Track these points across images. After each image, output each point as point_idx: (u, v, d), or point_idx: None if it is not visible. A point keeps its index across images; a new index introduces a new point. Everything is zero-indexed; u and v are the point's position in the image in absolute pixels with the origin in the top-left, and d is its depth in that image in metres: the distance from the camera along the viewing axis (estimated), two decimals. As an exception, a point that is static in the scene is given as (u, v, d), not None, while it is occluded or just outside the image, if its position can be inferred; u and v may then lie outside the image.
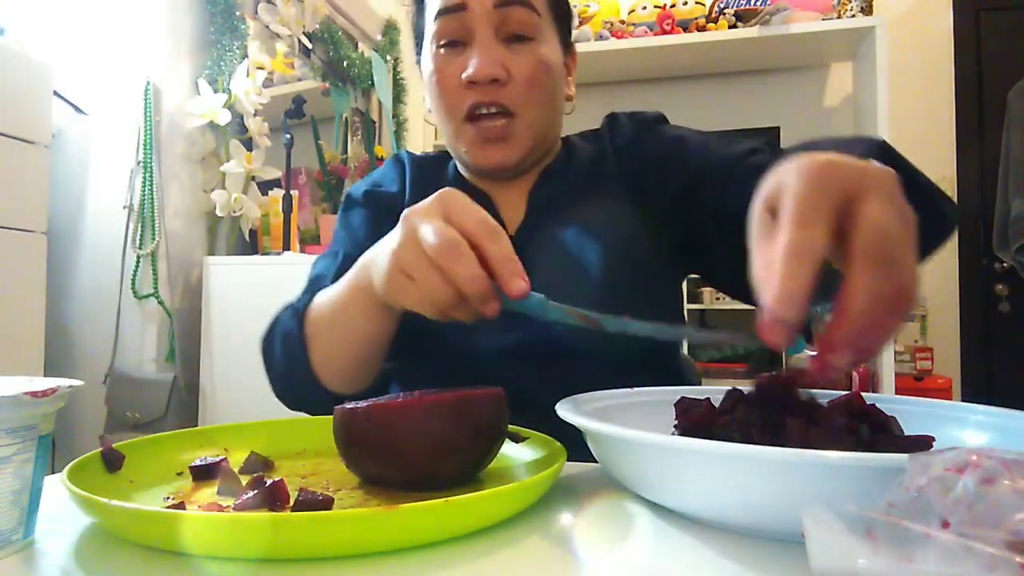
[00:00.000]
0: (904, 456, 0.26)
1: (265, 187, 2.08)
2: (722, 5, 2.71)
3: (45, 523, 0.39)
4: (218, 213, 1.93)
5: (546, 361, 0.69)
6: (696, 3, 2.75)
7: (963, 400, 1.85)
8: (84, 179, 1.87)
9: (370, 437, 0.45)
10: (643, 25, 2.75)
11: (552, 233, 0.74)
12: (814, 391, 0.43)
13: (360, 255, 0.59)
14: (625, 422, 0.42)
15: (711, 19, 2.71)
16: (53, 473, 0.43)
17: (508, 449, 0.52)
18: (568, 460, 0.47)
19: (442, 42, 0.72)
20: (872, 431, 0.40)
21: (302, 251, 2.08)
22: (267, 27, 2.20)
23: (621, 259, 0.72)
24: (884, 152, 0.54)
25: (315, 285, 0.73)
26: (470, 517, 0.37)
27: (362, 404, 0.45)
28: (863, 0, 2.55)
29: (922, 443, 0.40)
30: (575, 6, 2.79)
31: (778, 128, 2.89)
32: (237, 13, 2.01)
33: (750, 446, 0.34)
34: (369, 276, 0.54)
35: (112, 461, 0.46)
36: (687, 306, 1.56)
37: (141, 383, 1.76)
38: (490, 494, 0.37)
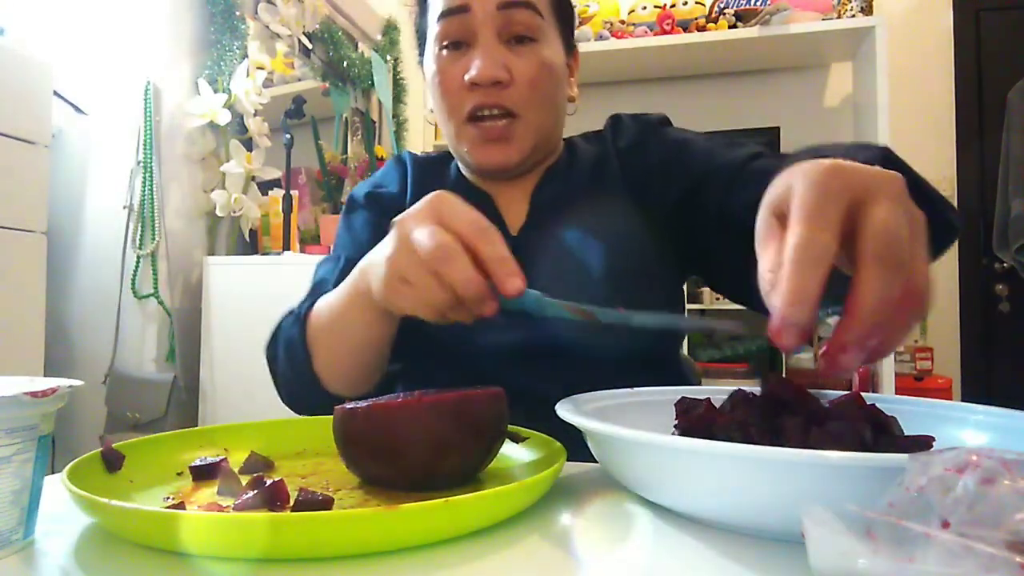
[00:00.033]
0: (904, 456, 0.26)
1: (265, 187, 2.08)
2: (722, 5, 2.71)
3: (45, 523, 0.39)
4: (218, 213, 1.93)
5: (547, 361, 0.69)
6: (696, 3, 2.75)
7: (963, 400, 1.85)
8: (84, 179, 1.87)
9: (370, 437, 0.45)
10: (643, 25, 2.75)
11: (554, 233, 0.74)
12: (814, 391, 0.43)
13: (361, 258, 0.59)
14: (625, 422, 0.42)
15: (711, 19, 2.71)
16: (53, 473, 0.43)
17: (508, 449, 0.52)
18: (568, 460, 0.47)
19: (445, 43, 0.72)
20: (872, 431, 0.40)
21: (302, 251, 2.08)
22: (267, 27, 2.20)
23: (622, 260, 0.72)
24: (888, 159, 0.54)
25: (318, 290, 0.73)
26: (470, 517, 0.37)
27: (362, 404, 0.45)
28: (863, 0, 2.55)
29: (922, 443, 0.40)
30: (575, 6, 2.78)
31: (778, 128, 2.89)
32: (237, 13, 2.01)
33: (750, 446, 0.34)
34: (367, 281, 0.54)
35: (112, 461, 0.46)
36: (687, 306, 1.55)
37: (141, 383, 1.76)
38: (490, 494, 0.37)
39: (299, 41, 2.35)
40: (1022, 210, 2.30)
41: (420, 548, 0.36)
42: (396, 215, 0.81)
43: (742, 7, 2.66)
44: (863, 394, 0.43)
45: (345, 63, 2.59)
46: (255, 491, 0.40)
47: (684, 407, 0.47)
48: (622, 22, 2.79)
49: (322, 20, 2.47)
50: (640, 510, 0.42)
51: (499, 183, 0.79)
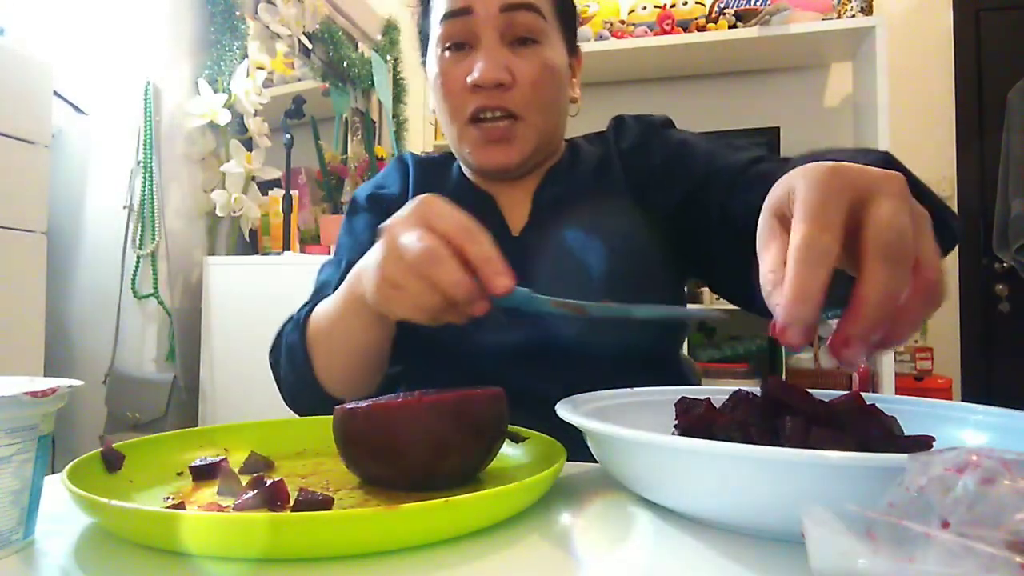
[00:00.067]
0: (904, 456, 0.26)
1: (265, 187, 2.08)
2: (722, 5, 2.71)
3: (45, 523, 0.39)
4: (218, 213, 1.93)
5: (547, 361, 0.69)
6: (696, 3, 2.75)
7: (963, 400, 1.84)
8: (84, 179, 1.87)
9: (370, 437, 0.45)
10: (643, 25, 2.75)
11: (556, 234, 0.74)
12: (815, 392, 0.43)
13: None
14: (625, 422, 0.42)
15: (711, 19, 2.70)
16: (53, 473, 0.43)
17: (508, 449, 0.52)
18: (568, 460, 0.47)
19: (447, 45, 0.72)
20: (872, 431, 0.40)
21: (302, 251, 2.08)
22: (267, 27, 2.20)
23: (623, 261, 0.72)
24: (890, 164, 0.54)
25: (320, 293, 0.74)
26: (470, 517, 0.37)
27: (362, 404, 0.45)
28: (863, 0, 2.55)
29: (922, 443, 0.40)
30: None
31: (778, 128, 2.88)
32: (237, 13, 2.01)
33: (750, 446, 0.34)
34: (362, 287, 0.55)
35: (112, 461, 0.46)
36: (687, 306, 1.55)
37: (141, 383, 1.76)
38: (490, 494, 0.37)
39: (299, 41, 2.35)
40: (1022, 210, 2.30)
41: (420, 548, 0.36)
42: None
43: (742, 7, 2.66)
44: (863, 394, 0.43)
45: (345, 63, 2.59)
46: (255, 491, 0.40)
47: (684, 407, 0.47)
48: (622, 22, 2.79)
49: (322, 20, 2.47)
50: (640, 510, 0.42)
51: (501, 184, 0.79)
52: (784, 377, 2.52)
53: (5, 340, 1.47)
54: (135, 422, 1.71)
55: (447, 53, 0.73)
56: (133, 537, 0.37)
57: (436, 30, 0.73)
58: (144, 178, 1.80)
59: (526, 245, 0.75)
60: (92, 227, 1.87)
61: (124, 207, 1.82)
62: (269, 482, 0.41)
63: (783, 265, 0.35)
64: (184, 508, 0.40)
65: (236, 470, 0.48)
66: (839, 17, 2.55)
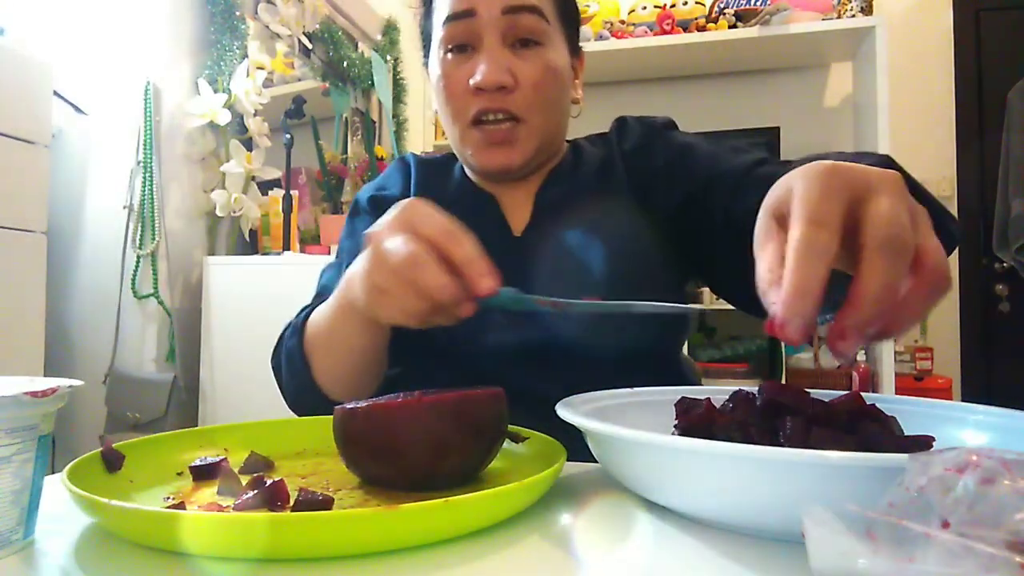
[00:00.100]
0: (904, 456, 0.26)
1: (265, 187, 2.08)
2: (722, 5, 2.71)
3: (45, 523, 0.39)
4: (218, 213, 1.93)
5: (547, 361, 0.69)
6: (696, 3, 2.75)
7: (963, 400, 1.84)
8: (84, 179, 1.87)
9: (370, 437, 0.45)
10: (643, 25, 2.75)
11: (557, 234, 0.74)
12: (815, 392, 0.43)
13: None
14: (625, 422, 0.42)
15: (711, 19, 2.70)
16: (53, 473, 0.43)
17: (508, 449, 0.52)
18: (568, 460, 0.47)
19: (449, 47, 0.72)
20: (872, 431, 0.40)
21: (302, 251, 2.08)
22: (267, 27, 2.20)
23: (625, 262, 0.72)
24: (890, 167, 0.54)
25: (321, 296, 0.74)
26: (470, 517, 0.37)
27: (362, 404, 0.45)
28: (863, 0, 2.55)
29: (922, 443, 0.40)
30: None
31: (778, 128, 2.88)
32: (237, 13, 2.01)
33: (750, 446, 0.34)
34: (353, 292, 0.55)
35: (112, 461, 0.46)
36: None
37: (141, 383, 1.76)
38: (490, 494, 0.37)
39: (299, 41, 2.35)
40: (1022, 210, 2.30)
41: (420, 548, 0.36)
42: None
43: (742, 7, 2.66)
44: (863, 394, 0.43)
45: (345, 63, 2.59)
46: (255, 491, 0.40)
47: (684, 407, 0.47)
48: (622, 22, 2.79)
49: (322, 20, 2.47)
50: (640, 510, 0.42)
51: (503, 184, 0.79)
52: (784, 377, 2.52)
53: (5, 340, 1.47)
54: (135, 422, 1.71)
55: (449, 55, 0.73)
56: (133, 537, 0.37)
57: (438, 32, 0.73)
58: (144, 178, 1.80)
59: (527, 245, 0.75)
60: (92, 227, 1.86)
61: (124, 207, 1.82)
62: (269, 482, 0.41)
63: (780, 264, 0.35)
64: (184, 508, 0.40)
65: (236, 470, 0.48)
66: (839, 17, 2.55)
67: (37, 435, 0.37)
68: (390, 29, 3.02)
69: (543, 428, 0.52)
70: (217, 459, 0.48)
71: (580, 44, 0.82)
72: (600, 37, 2.74)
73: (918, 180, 0.54)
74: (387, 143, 2.89)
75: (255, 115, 2.02)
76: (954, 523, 0.22)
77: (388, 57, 2.95)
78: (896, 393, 2.24)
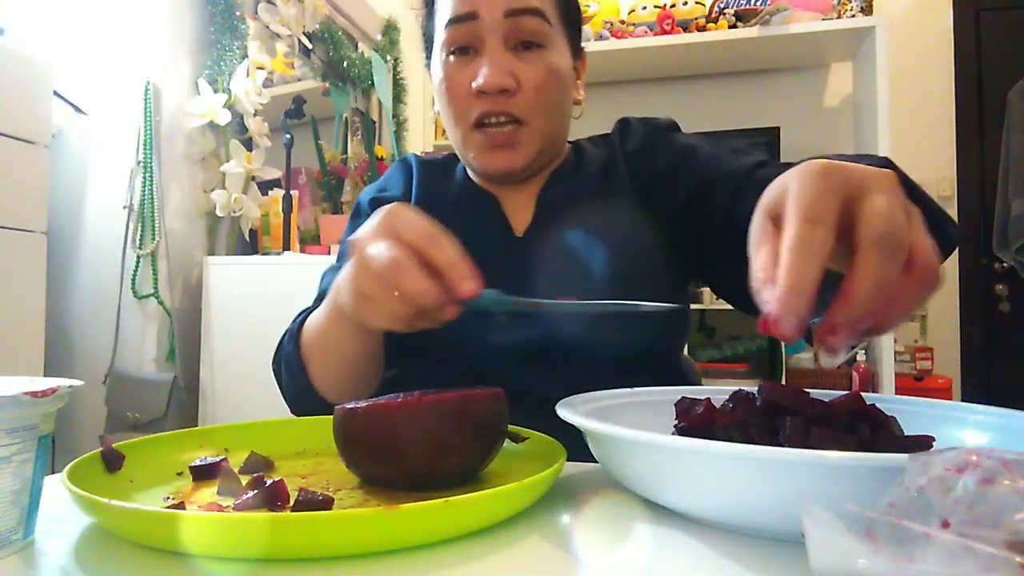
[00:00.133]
0: (904, 456, 0.26)
1: (265, 187, 2.08)
2: (722, 5, 2.71)
3: (45, 523, 0.39)
4: (218, 213, 1.93)
5: (547, 361, 0.69)
6: (696, 3, 2.75)
7: (963, 400, 1.84)
8: (84, 179, 1.87)
9: (370, 437, 0.45)
10: (643, 25, 2.75)
11: (558, 235, 0.74)
12: (815, 392, 0.43)
13: None
14: (625, 422, 0.42)
15: (711, 19, 2.71)
16: (53, 473, 0.43)
17: (508, 449, 0.52)
18: (568, 460, 0.47)
19: (452, 49, 0.72)
20: (872, 431, 0.40)
21: (302, 251, 2.08)
22: (267, 27, 2.20)
23: (626, 263, 0.72)
24: (891, 167, 0.54)
25: (321, 299, 0.74)
26: (470, 517, 0.37)
27: (362, 404, 0.45)
28: (863, 0, 2.55)
29: (922, 443, 0.40)
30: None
31: (778, 128, 2.88)
32: (237, 13, 2.01)
33: (750, 446, 0.34)
34: (342, 298, 0.56)
35: (112, 461, 0.46)
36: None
37: (141, 383, 1.76)
38: (490, 494, 0.37)
39: (299, 41, 2.35)
40: (1022, 210, 2.30)
41: (420, 548, 0.36)
42: None
43: (742, 7, 2.66)
44: (863, 394, 0.43)
45: (345, 63, 2.59)
46: (255, 491, 0.40)
47: (684, 407, 0.47)
48: (622, 22, 2.79)
49: (322, 20, 2.47)
50: (640, 510, 0.42)
51: (505, 185, 0.79)
52: (784, 377, 2.52)
53: (5, 340, 1.47)
54: (135, 422, 1.71)
55: (451, 58, 0.73)
56: (133, 537, 0.37)
57: (440, 34, 0.73)
58: (144, 178, 1.80)
59: (529, 246, 0.75)
60: (92, 227, 1.86)
61: (124, 207, 1.82)
62: (269, 482, 0.41)
63: (775, 263, 0.36)
64: (184, 508, 0.40)
65: (236, 470, 0.48)
66: (839, 17, 2.56)
67: (37, 435, 0.37)
68: (390, 29, 3.02)
69: (543, 428, 0.52)
70: (217, 459, 0.48)
71: (582, 45, 0.82)
72: (600, 37, 2.74)
73: (918, 181, 0.54)
74: (387, 143, 2.89)
75: (255, 115, 2.02)
76: (954, 523, 0.22)
77: (388, 57, 2.95)
78: (896, 393, 2.25)
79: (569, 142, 0.84)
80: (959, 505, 0.22)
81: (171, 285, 1.88)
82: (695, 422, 0.44)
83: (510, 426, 0.51)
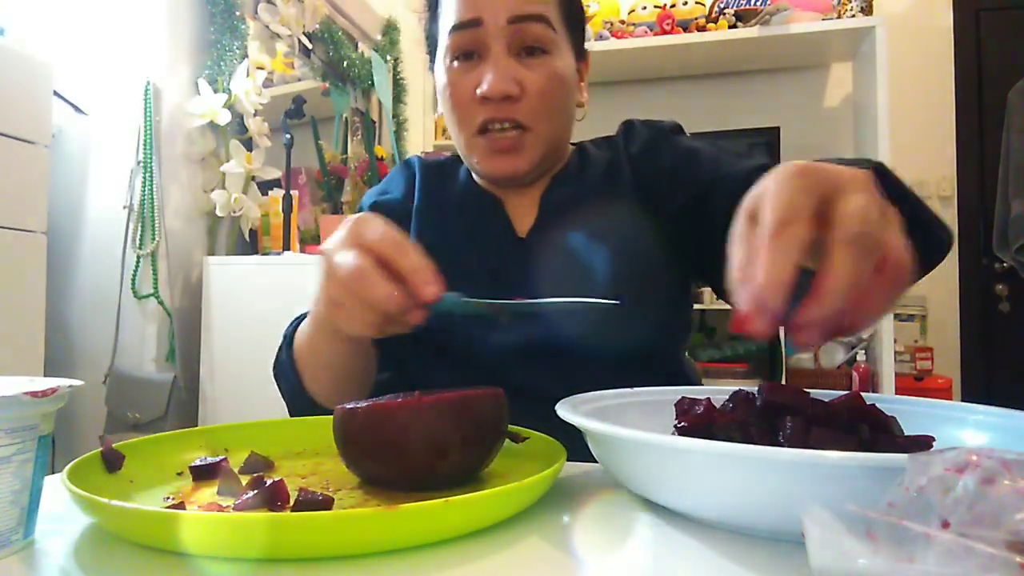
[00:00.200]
0: (904, 456, 0.26)
1: (265, 187, 2.08)
2: (722, 5, 2.71)
3: (45, 523, 0.39)
4: (218, 213, 1.93)
5: (547, 361, 0.69)
6: (696, 3, 2.75)
7: (963, 400, 1.84)
8: (84, 179, 1.87)
9: (370, 437, 0.45)
10: (643, 25, 2.75)
11: (561, 237, 0.74)
12: (815, 392, 0.43)
13: None
14: (625, 422, 0.42)
15: (711, 19, 2.71)
16: (53, 473, 0.43)
17: (508, 449, 0.52)
18: (568, 460, 0.47)
19: (456, 55, 0.72)
20: (872, 431, 0.40)
21: (302, 251, 2.08)
22: (267, 27, 2.20)
23: (629, 264, 0.72)
24: (879, 171, 0.55)
25: None
26: (470, 517, 0.37)
27: (362, 404, 0.46)
28: (863, 0, 2.55)
29: (922, 443, 0.40)
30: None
31: (778, 128, 2.88)
32: (237, 13, 2.01)
33: (750, 446, 0.34)
34: (319, 306, 0.57)
35: (112, 461, 0.46)
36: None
37: (141, 383, 1.76)
38: (490, 494, 0.37)
39: (299, 41, 2.35)
40: (1022, 210, 2.30)
41: (420, 548, 0.36)
42: (401, 222, 0.82)
43: (742, 7, 2.66)
44: (863, 394, 0.43)
45: (345, 63, 2.59)
46: (255, 491, 0.40)
47: (684, 407, 0.47)
48: (622, 22, 2.79)
49: (322, 20, 2.47)
50: (640, 510, 0.42)
51: (509, 188, 0.79)
52: (784, 377, 2.52)
53: (5, 340, 1.47)
54: (135, 422, 1.71)
55: (455, 63, 0.73)
56: (133, 537, 0.37)
57: (444, 39, 0.73)
58: (144, 178, 1.80)
59: (532, 248, 0.75)
60: (92, 227, 1.86)
61: (124, 207, 1.82)
62: (269, 482, 0.41)
63: (751, 263, 0.36)
64: (184, 508, 0.40)
65: (236, 470, 0.48)
66: (839, 17, 2.55)
67: (37, 435, 0.37)
68: (390, 29, 3.02)
69: (543, 428, 0.52)
70: (217, 459, 0.48)
71: (585, 47, 0.82)
72: (600, 37, 2.74)
73: (918, 181, 0.54)
74: (387, 143, 2.89)
75: (255, 115, 2.02)
76: (954, 523, 0.22)
77: (388, 57, 2.95)
78: (896, 393, 2.25)
79: (572, 144, 0.84)
80: (959, 505, 0.22)
81: (171, 285, 1.88)
82: (695, 422, 0.44)
83: (510, 426, 0.51)
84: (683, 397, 0.48)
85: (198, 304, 1.89)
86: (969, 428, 0.46)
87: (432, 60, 0.79)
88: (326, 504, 0.38)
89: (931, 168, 2.88)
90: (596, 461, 0.47)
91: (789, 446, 0.38)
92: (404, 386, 0.77)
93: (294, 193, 2.08)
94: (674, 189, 0.76)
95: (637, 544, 0.38)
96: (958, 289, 2.88)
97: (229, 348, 1.84)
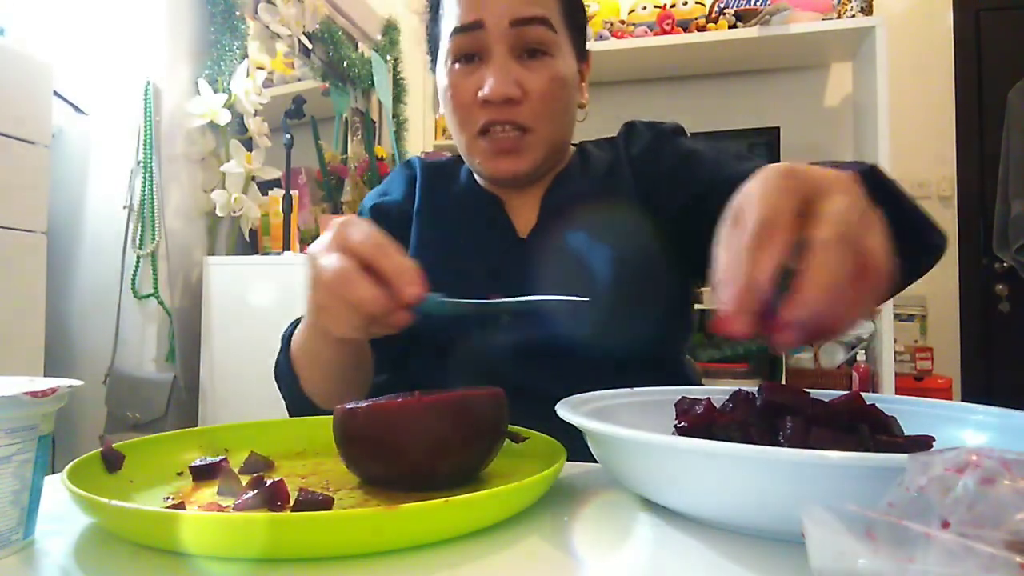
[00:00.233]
0: (904, 456, 0.26)
1: (265, 187, 2.08)
2: (722, 5, 2.71)
3: (45, 523, 0.39)
4: (218, 213, 1.92)
5: (547, 361, 0.69)
6: (696, 3, 2.75)
7: (963, 400, 1.84)
8: (84, 179, 1.87)
9: (370, 437, 0.45)
10: (643, 25, 2.75)
11: (562, 237, 0.74)
12: (815, 392, 0.43)
13: None
14: (625, 422, 0.42)
15: (711, 19, 2.70)
16: (53, 473, 0.43)
17: (508, 449, 0.52)
18: (568, 460, 0.47)
19: (458, 57, 0.72)
20: (872, 431, 0.40)
21: (302, 251, 2.08)
22: (267, 27, 2.20)
23: (630, 265, 0.72)
24: (873, 174, 0.55)
25: None
26: (470, 517, 0.37)
27: (362, 404, 0.46)
28: (863, 0, 2.55)
29: (922, 443, 0.40)
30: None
31: (778, 128, 2.88)
32: (237, 13, 2.01)
33: (750, 446, 0.34)
34: (308, 310, 0.57)
35: (112, 461, 0.46)
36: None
37: (141, 383, 1.75)
38: (490, 494, 0.37)
39: (299, 41, 2.35)
40: (1022, 210, 2.30)
41: (420, 548, 0.36)
42: (399, 223, 0.82)
43: (742, 7, 2.66)
44: (863, 394, 0.43)
45: (345, 63, 2.59)
46: (255, 491, 0.40)
47: (684, 407, 0.47)
48: (622, 22, 2.79)
49: (322, 20, 2.47)
50: (640, 510, 0.42)
51: (510, 188, 0.79)
52: (784, 377, 2.52)
53: (5, 340, 1.47)
54: (135, 422, 1.71)
55: (457, 65, 0.73)
56: (133, 537, 0.37)
57: (446, 42, 0.73)
58: (144, 178, 1.80)
59: (533, 248, 0.75)
60: (92, 227, 1.86)
61: (124, 207, 1.82)
62: (269, 482, 0.41)
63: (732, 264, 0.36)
64: (184, 508, 0.40)
65: (236, 470, 0.48)
66: (839, 17, 2.55)
67: (37, 435, 0.37)
68: (390, 29, 3.02)
69: (543, 428, 0.52)
70: (217, 459, 0.48)
71: (587, 49, 0.82)
72: (600, 37, 2.74)
73: (918, 181, 0.54)
74: (387, 143, 2.89)
75: (255, 115, 2.02)
76: (954, 523, 0.22)
77: (388, 57, 2.95)
78: (896, 393, 2.24)
79: (573, 145, 0.84)
80: (959, 505, 0.22)
81: (171, 285, 1.88)
82: (695, 422, 0.44)
83: (510, 426, 0.51)
84: (683, 397, 0.48)
85: (198, 304, 1.89)
86: (969, 428, 0.46)
87: (433, 61, 0.79)
88: (326, 504, 0.38)
89: (931, 168, 2.88)
90: (596, 461, 0.47)
91: (789, 446, 0.38)
92: (404, 386, 0.77)
93: (294, 193, 2.08)
94: (674, 189, 0.76)
95: (637, 544, 0.38)
96: (958, 289, 2.88)
97: (229, 348, 1.84)
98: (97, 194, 1.86)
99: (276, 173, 2.07)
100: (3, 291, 1.47)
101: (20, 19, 1.80)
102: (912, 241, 0.40)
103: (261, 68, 2.13)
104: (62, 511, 0.41)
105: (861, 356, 2.48)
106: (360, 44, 2.83)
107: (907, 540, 0.21)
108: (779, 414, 0.41)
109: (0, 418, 0.35)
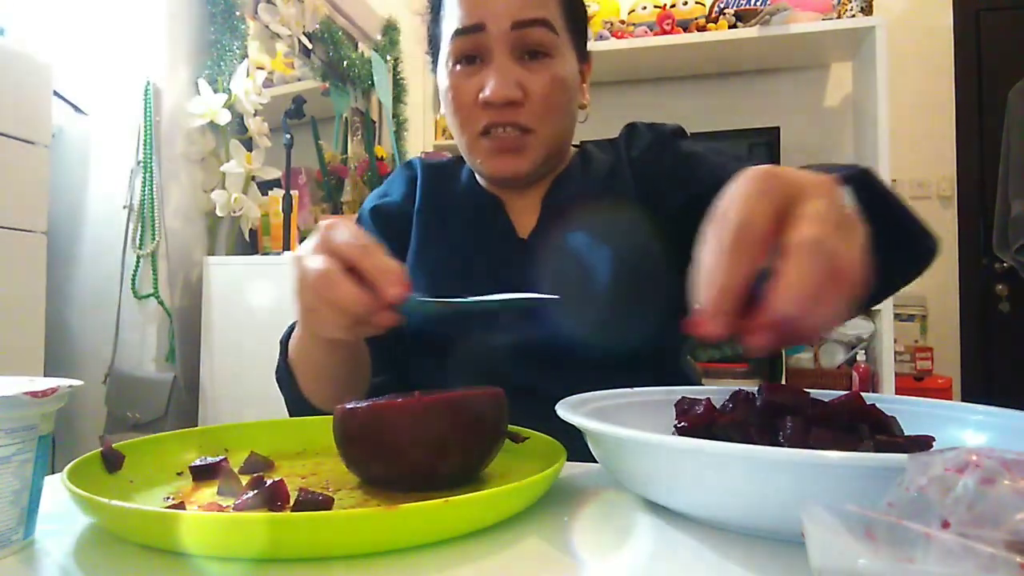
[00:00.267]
0: (904, 456, 0.26)
1: (265, 187, 2.08)
2: (722, 5, 2.71)
3: (45, 523, 0.39)
4: (218, 213, 1.92)
5: (548, 361, 0.69)
6: (696, 3, 2.75)
7: (963, 400, 1.84)
8: (84, 179, 1.87)
9: (370, 437, 0.45)
10: (643, 25, 2.75)
11: (563, 238, 0.74)
12: (815, 392, 0.43)
13: None
14: (625, 422, 0.42)
15: (711, 19, 2.70)
16: (53, 473, 0.43)
17: (508, 449, 0.52)
18: (568, 460, 0.47)
19: (459, 59, 0.73)
20: (872, 431, 0.40)
21: (302, 251, 2.08)
22: (267, 27, 2.20)
23: (630, 266, 0.72)
24: (865, 178, 0.54)
25: None
26: (470, 517, 0.37)
27: (362, 404, 0.46)
28: (863, 0, 2.55)
29: (922, 443, 0.40)
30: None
31: (778, 128, 2.88)
32: (237, 13, 2.01)
33: (750, 446, 0.34)
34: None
35: (112, 461, 0.46)
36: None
37: (141, 383, 1.75)
38: (490, 494, 0.37)
39: (299, 41, 2.35)
40: (1022, 210, 2.30)
41: (420, 548, 0.36)
42: (399, 224, 0.82)
43: (742, 7, 2.66)
44: (863, 394, 0.43)
45: (345, 63, 2.59)
46: (255, 491, 0.40)
47: (684, 407, 0.47)
48: (622, 22, 2.79)
49: (322, 20, 2.47)
50: (640, 510, 0.42)
51: (510, 189, 0.79)
52: (784, 377, 2.52)
53: (5, 340, 1.47)
54: (135, 422, 1.71)
55: (458, 67, 0.73)
56: (133, 537, 0.37)
57: (447, 44, 0.73)
58: (144, 178, 1.80)
59: (533, 249, 0.75)
60: (92, 227, 1.86)
61: (124, 207, 1.82)
62: (269, 482, 0.41)
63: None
64: (184, 508, 0.40)
65: (236, 470, 0.48)
66: (839, 17, 2.55)
67: (37, 435, 0.37)
68: (390, 29, 3.02)
69: (543, 428, 0.52)
70: (217, 459, 0.48)
71: (588, 50, 0.82)
72: (600, 37, 2.74)
73: (917, 181, 0.54)
74: (387, 143, 2.89)
75: (255, 115, 2.02)
76: (954, 523, 0.22)
77: (388, 57, 2.95)
78: (896, 393, 2.24)
79: (575, 146, 0.84)
80: (959, 505, 0.22)
81: (171, 285, 1.88)
82: (695, 422, 0.44)
83: (510, 426, 0.51)
84: (683, 397, 0.48)
85: (198, 304, 1.89)
86: (969, 428, 0.46)
87: (434, 62, 0.79)
88: (326, 504, 0.38)
89: (931, 168, 2.88)
90: (596, 461, 0.47)
91: (789, 446, 0.38)
92: (404, 386, 0.77)
93: (294, 193, 2.08)
94: (674, 190, 0.76)
95: (637, 544, 0.38)
96: (958, 289, 2.88)
97: (229, 348, 1.84)
98: (97, 194, 1.86)
99: (276, 173, 2.07)
100: (3, 291, 1.47)
101: (20, 19, 1.80)
102: (903, 245, 0.40)
103: (261, 68, 2.13)
104: (62, 511, 0.41)
105: (861, 356, 2.48)
106: (360, 44, 2.83)
107: (907, 540, 0.21)
108: (779, 414, 0.41)
109: (0, 418, 0.35)
